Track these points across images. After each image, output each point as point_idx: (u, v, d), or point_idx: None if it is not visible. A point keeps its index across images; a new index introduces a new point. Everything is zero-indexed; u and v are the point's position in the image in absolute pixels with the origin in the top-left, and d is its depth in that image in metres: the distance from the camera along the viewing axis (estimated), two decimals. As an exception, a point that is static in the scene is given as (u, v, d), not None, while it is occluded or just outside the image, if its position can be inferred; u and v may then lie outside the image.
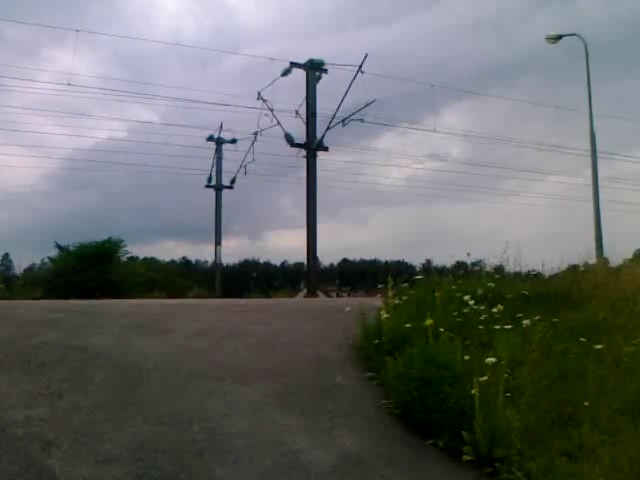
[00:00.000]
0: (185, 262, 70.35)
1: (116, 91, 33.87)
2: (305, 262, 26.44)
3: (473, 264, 9.38)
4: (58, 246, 28.10)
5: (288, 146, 26.06)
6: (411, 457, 4.04)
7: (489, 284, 7.03)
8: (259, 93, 26.51)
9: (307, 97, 25.55)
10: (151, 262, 40.47)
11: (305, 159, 25.31)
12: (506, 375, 4.21)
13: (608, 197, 23.13)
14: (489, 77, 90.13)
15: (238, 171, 32.05)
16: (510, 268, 8.51)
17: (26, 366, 5.18)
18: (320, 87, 25.86)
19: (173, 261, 59.48)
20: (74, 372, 5.12)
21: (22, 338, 6.06)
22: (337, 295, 45.80)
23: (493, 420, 3.92)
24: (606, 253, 14.09)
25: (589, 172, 17.99)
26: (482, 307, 6.11)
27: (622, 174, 51.09)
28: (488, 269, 8.75)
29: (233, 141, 32.34)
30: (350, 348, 6.26)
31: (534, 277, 8.72)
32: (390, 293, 6.75)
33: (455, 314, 6.10)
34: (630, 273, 8.08)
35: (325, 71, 25.86)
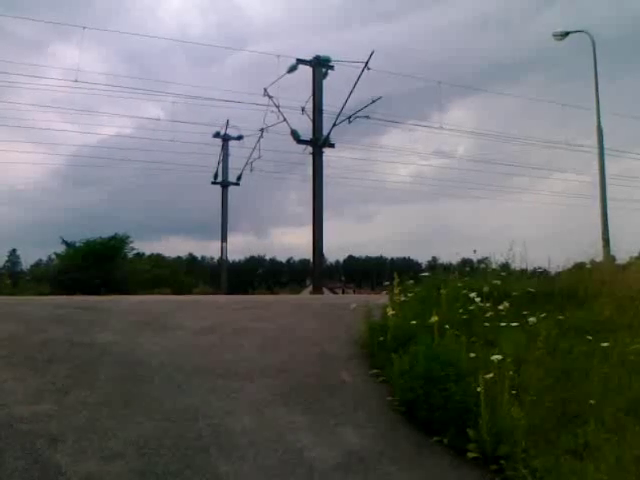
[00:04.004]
0: (191, 259, 70.26)
1: (123, 88, 33.85)
2: (311, 259, 26.44)
3: (479, 261, 9.35)
4: (65, 242, 28.21)
5: (294, 143, 26.04)
6: (415, 454, 4.04)
7: (495, 281, 7.01)
8: (265, 90, 26.48)
9: (313, 94, 25.47)
10: (157, 259, 40.44)
11: (311, 156, 25.28)
12: (511, 373, 4.20)
13: (616, 195, 22.96)
14: (495, 74, 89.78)
15: (244, 168, 32.12)
16: (516, 265, 8.50)
17: (32, 362, 5.20)
18: (326, 84, 25.78)
19: (179, 258, 59.46)
20: (79, 368, 5.14)
21: (28, 334, 6.09)
22: (343, 292, 45.74)
23: (498, 417, 3.91)
24: (613, 251, 14.01)
25: (597, 169, 17.89)
26: (488, 304, 6.10)
27: (630, 172, 50.82)
28: (494, 266, 8.71)
29: (239, 138, 32.41)
30: (355, 345, 6.25)
31: (540, 275, 8.69)
32: (396, 290, 6.74)
33: (461, 311, 6.10)
34: (637, 271, 8.02)
35: (331, 68, 25.78)
